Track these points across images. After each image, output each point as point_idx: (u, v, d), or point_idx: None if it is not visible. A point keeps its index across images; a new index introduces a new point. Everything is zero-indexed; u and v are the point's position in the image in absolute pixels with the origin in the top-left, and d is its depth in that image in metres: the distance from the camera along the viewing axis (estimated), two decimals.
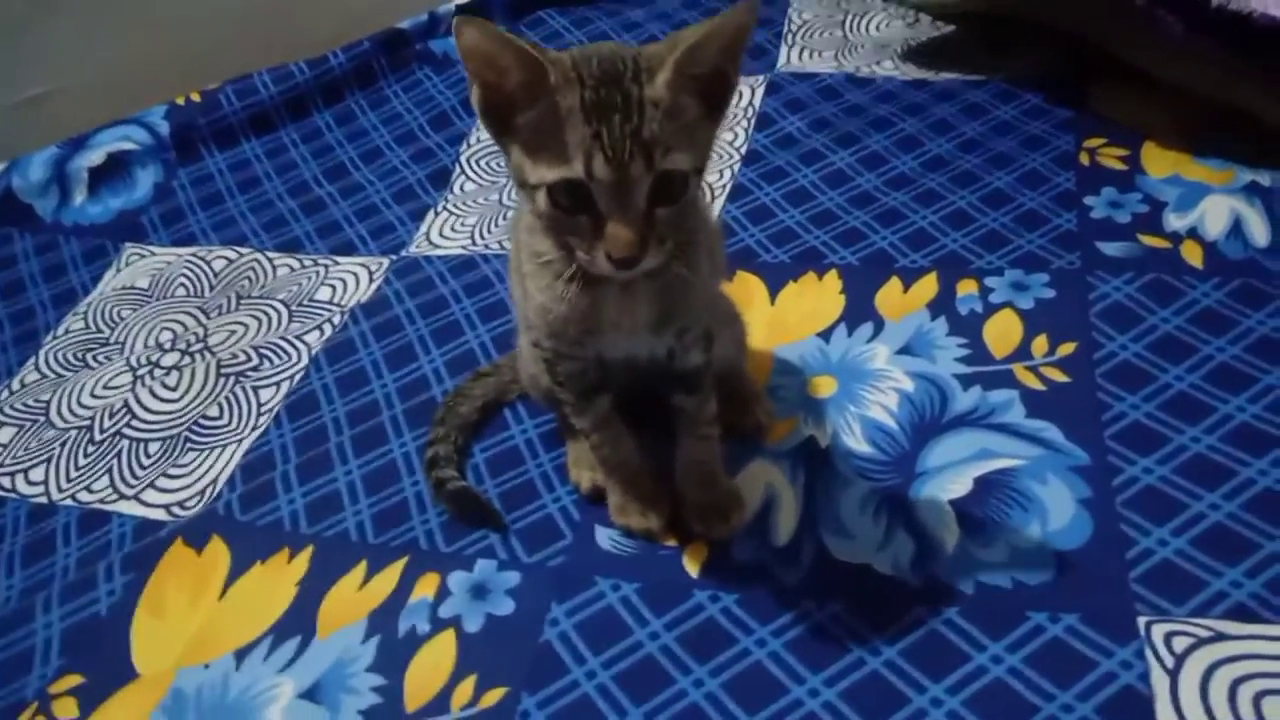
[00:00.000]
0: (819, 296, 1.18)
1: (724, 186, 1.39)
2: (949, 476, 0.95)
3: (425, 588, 0.94)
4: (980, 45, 1.59)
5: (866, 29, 1.70)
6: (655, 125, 0.70)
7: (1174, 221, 1.18)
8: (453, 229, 1.44)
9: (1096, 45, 1.42)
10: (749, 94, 1.57)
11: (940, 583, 0.87)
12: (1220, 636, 0.79)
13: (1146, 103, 1.36)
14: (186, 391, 1.24)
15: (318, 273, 1.40)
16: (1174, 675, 0.77)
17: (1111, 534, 0.88)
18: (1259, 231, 1.15)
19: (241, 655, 0.92)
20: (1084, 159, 1.30)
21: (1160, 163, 1.27)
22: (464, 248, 1.39)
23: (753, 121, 1.51)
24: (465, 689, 0.86)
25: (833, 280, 1.20)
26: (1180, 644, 0.79)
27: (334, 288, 1.36)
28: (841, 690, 0.81)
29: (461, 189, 1.53)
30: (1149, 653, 0.79)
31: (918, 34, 1.67)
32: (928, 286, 1.16)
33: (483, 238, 1.40)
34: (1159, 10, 1.16)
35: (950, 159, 1.36)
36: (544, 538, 0.97)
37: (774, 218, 1.32)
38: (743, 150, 1.46)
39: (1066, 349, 1.05)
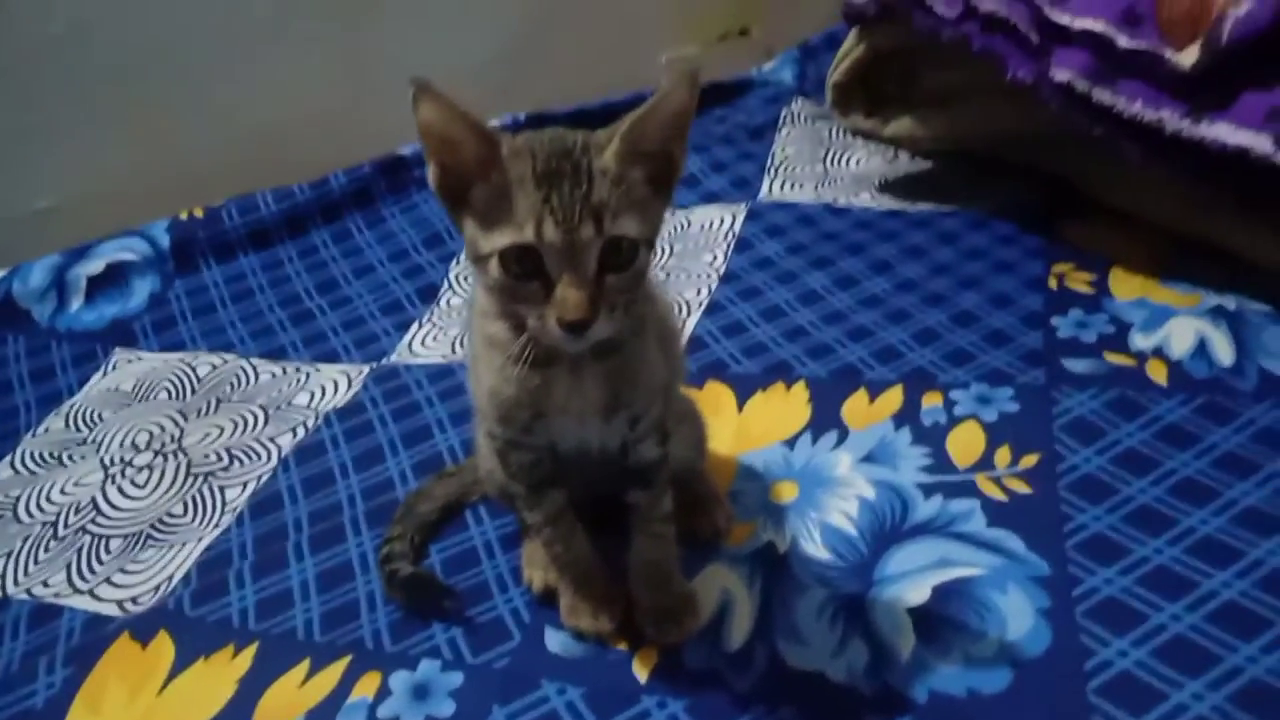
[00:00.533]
0: (786, 406, 1.18)
1: (701, 303, 1.42)
2: (907, 584, 0.93)
3: (365, 687, 0.91)
4: (957, 179, 1.64)
5: (847, 164, 1.76)
6: (604, 191, 0.72)
7: (1139, 341, 1.19)
8: (434, 339, 1.47)
9: (1068, 181, 1.47)
10: (730, 220, 1.62)
11: (893, 691, 0.84)
12: None
13: (1116, 234, 1.39)
14: (155, 489, 1.24)
15: (299, 379, 1.42)
16: None
17: (1071, 644, 0.85)
18: (1224, 352, 1.15)
19: None
20: (1052, 283, 1.33)
21: (1127, 286, 1.29)
22: (443, 357, 1.41)
23: (732, 245, 1.55)
24: None
25: (800, 391, 1.20)
26: None
27: (313, 393, 1.38)
28: None
29: (448, 303, 1.56)
30: None
31: (896, 169, 1.72)
32: (893, 398, 1.16)
33: (462, 347, 1.42)
34: (1119, 138, 1.20)
35: (921, 281, 1.39)
36: (492, 638, 0.94)
37: (747, 332, 1.34)
38: (721, 271, 1.49)
39: (1029, 460, 1.04)
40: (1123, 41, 1.16)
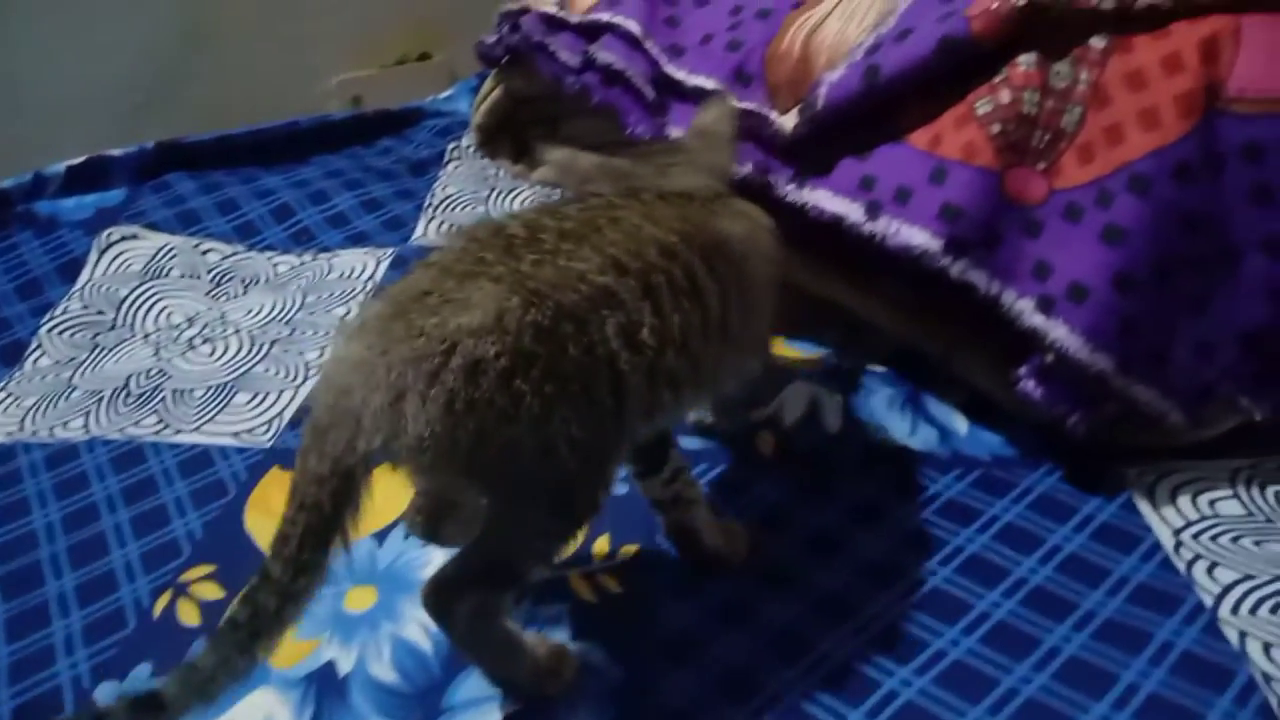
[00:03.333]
0: (389, 488, 1.06)
1: (322, 365, 1.28)
2: (477, 714, 0.83)
3: None
4: None
5: (510, 204, 1.67)
6: None
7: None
8: (4, 412, 1.25)
9: None
10: (373, 266, 1.49)
11: None
12: None
13: None
14: None
15: None
16: None
17: None
18: (833, 419, 1.14)
19: None
20: None
21: None
22: (8, 435, 1.21)
23: (370, 296, 1.42)
24: None
25: None
26: None
27: None
28: None
29: (34, 364, 1.35)
30: None
31: None
32: None
33: (34, 423, 1.22)
34: None
35: None
36: None
37: None
38: None
39: (628, 550, 0.98)
40: (733, 101, 1.13)
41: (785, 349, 1.25)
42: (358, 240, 1.58)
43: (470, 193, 1.70)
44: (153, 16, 1.86)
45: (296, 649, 0.89)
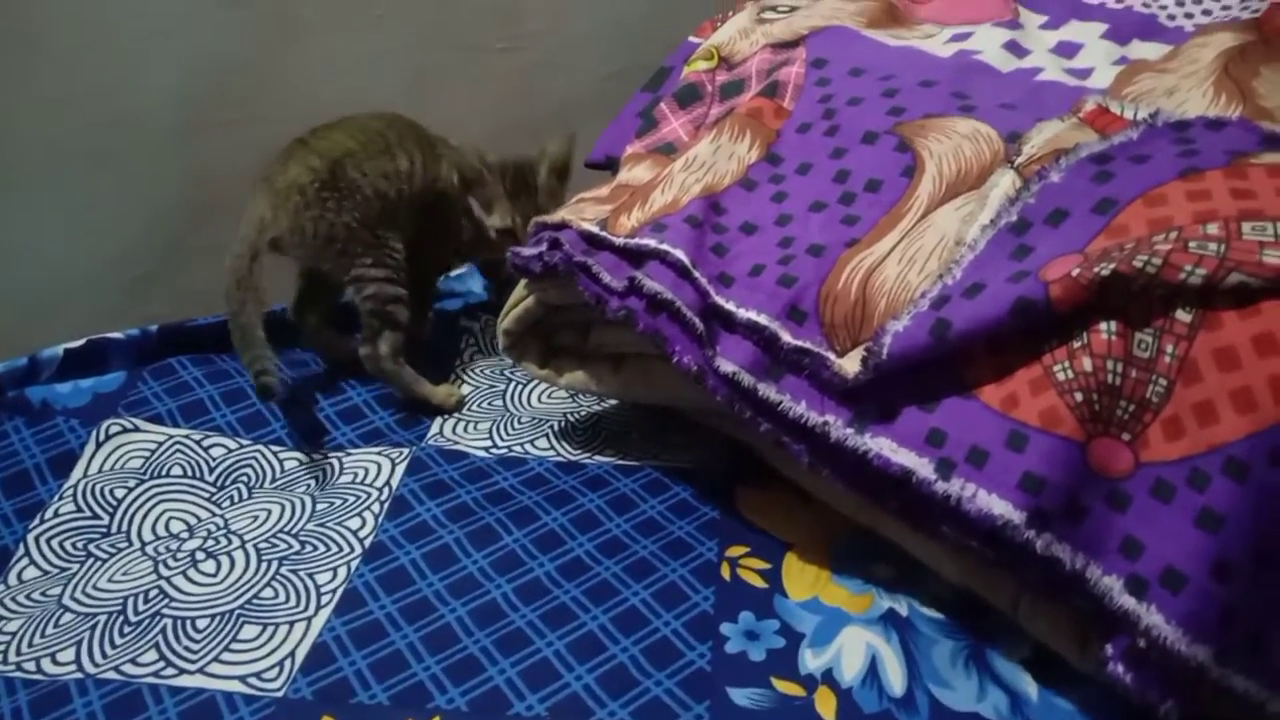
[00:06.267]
0: None
1: (334, 590, 1.20)
2: None
3: None
4: (641, 426, 1.53)
5: (528, 401, 1.62)
6: None
7: (810, 661, 1.09)
8: None
9: (748, 447, 1.38)
10: (387, 470, 1.42)
11: None
12: None
13: (792, 510, 1.31)
14: None
15: None
16: None
17: None
18: (895, 674, 1.07)
19: None
20: (725, 571, 1.22)
21: (800, 581, 1.20)
22: None
23: (386, 507, 1.35)
24: None
25: None
26: None
27: None
28: None
29: (19, 576, 1.25)
30: None
31: (579, 408, 1.60)
32: None
33: (18, 653, 1.12)
34: (785, 436, 1.12)
35: (589, 564, 1.23)
36: None
37: (385, 638, 1.13)
38: (367, 543, 1.28)
39: None
40: (786, 338, 1.09)
41: (833, 586, 1.19)
42: (370, 438, 1.51)
43: (487, 387, 1.66)
44: (155, 192, 1.82)
45: None
